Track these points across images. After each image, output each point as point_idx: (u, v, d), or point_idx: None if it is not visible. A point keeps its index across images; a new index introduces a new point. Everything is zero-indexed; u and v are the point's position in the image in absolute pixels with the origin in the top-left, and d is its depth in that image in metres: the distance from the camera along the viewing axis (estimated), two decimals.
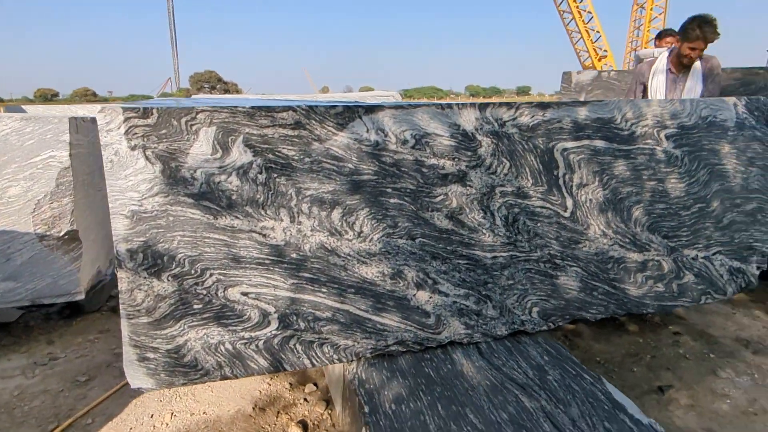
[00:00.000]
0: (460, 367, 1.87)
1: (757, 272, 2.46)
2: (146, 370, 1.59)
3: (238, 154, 1.52)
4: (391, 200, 1.73)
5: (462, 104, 1.75)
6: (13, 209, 2.12)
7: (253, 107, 1.49)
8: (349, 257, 1.73)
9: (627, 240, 2.13)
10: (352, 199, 1.68)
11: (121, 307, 1.51)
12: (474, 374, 1.82)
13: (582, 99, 4.21)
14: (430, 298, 1.88)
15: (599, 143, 1.99)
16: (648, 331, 2.62)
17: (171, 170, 1.46)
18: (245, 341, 1.68)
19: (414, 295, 1.85)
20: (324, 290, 1.72)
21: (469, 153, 1.79)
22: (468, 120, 1.77)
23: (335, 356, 1.81)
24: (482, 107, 1.78)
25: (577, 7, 20.60)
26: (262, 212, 1.59)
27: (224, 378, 1.69)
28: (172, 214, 1.49)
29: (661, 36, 4.97)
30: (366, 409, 1.63)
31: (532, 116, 1.86)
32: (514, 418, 1.59)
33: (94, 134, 2.59)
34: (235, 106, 1.47)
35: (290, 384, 2.20)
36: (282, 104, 1.55)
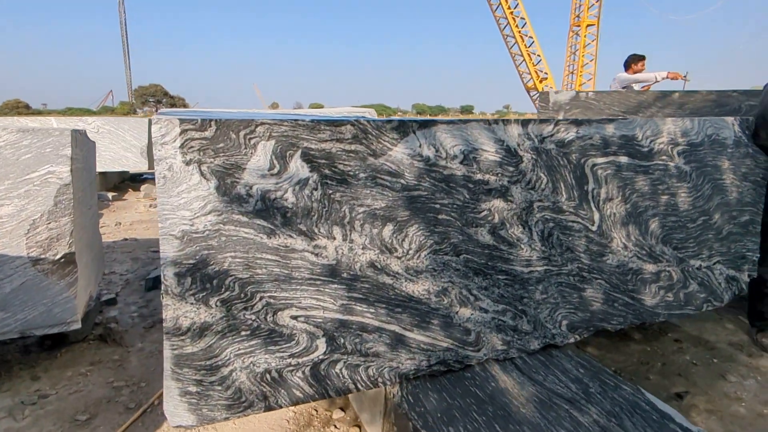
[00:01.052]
0: (504, 384, 1.84)
1: (748, 279, 2.62)
2: (188, 405, 1.45)
3: (296, 169, 1.43)
4: (440, 216, 1.70)
5: (507, 120, 1.75)
6: (4, 230, 1.89)
7: (313, 120, 1.41)
8: (398, 275, 1.67)
9: (644, 252, 2.21)
10: (402, 216, 1.63)
11: (165, 336, 1.38)
12: (519, 391, 1.80)
13: (561, 117, 4.38)
14: (472, 314, 1.85)
15: (623, 159, 2.06)
16: (652, 340, 2.71)
17: (226, 187, 1.36)
18: (292, 368, 1.57)
19: (456, 313, 1.82)
20: (372, 310, 1.65)
21: (512, 168, 1.80)
22: (512, 135, 1.78)
23: (379, 379, 1.73)
24: (524, 123, 1.79)
25: (520, 32, 21.73)
26: (316, 230, 1.51)
27: (268, 409, 1.57)
28: (225, 234, 1.38)
29: (638, 60, 5.32)
30: None
31: (568, 132, 1.90)
32: None
33: (87, 148, 2.38)
34: (296, 120, 1.39)
35: (315, 410, 2.09)
36: (340, 118, 1.48)
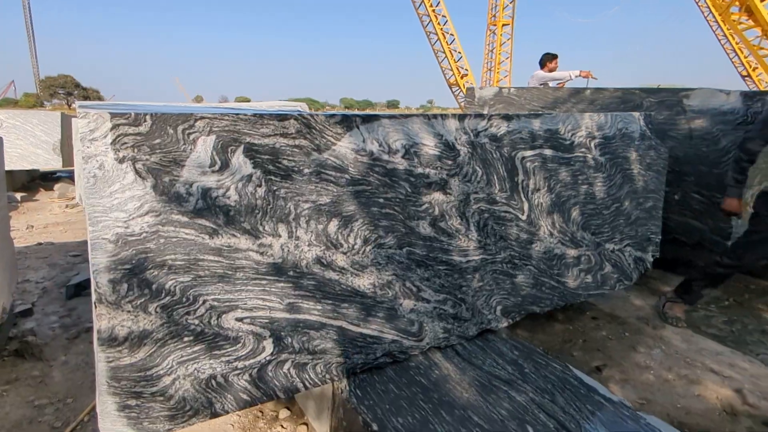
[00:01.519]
0: (446, 371, 1.91)
1: (652, 259, 2.93)
2: (127, 420, 1.35)
3: (239, 166, 1.38)
4: (384, 210, 1.72)
5: (445, 115, 1.81)
6: None
7: (256, 114, 1.36)
8: (344, 270, 1.67)
9: (567, 238, 2.39)
10: (348, 211, 1.63)
11: (99, 348, 1.27)
12: (461, 376, 1.88)
13: (485, 112, 4.59)
14: (415, 305, 1.90)
15: (548, 152, 2.20)
16: (573, 319, 2.94)
17: (164, 185, 1.27)
18: (239, 371, 1.52)
19: (401, 304, 1.85)
20: (319, 307, 1.64)
21: (450, 162, 1.86)
22: (450, 130, 1.83)
23: (327, 376, 1.73)
24: (461, 118, 1.86)
25: (441, 29, 22.36)
26: (261, 228, 1.46)
27: (215, 416, 1.51)
28: (164, 236, 1.30)
29: (551, 59, 5.68)
30: (374, 427, 1.59)
31: (499, 127, 2.00)
32: (512, 413, 1.68)
33: None
34: (237, 114, 1.34)
35: (261, 412, 2.04)
36: (284, 112, 1.44)
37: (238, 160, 1.37)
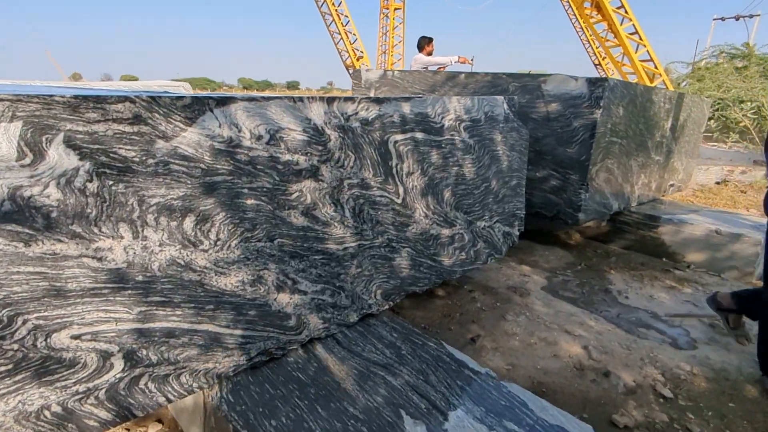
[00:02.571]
0: (325, 362, 1.87)
1: (518, 233, 3.17)
2: None
3: (58, 158, 1.15)
4: (248, 201, 1.59)
5: (312, 98, 1.71)
6: None
7: (76, 96, 1.14)
8: (205, 270, 1.52)
9: (441, 219, 2.46)
10: (206, 204, 1.47)
11: None
12: (340, 366, 1.85)
13: (372, 95, 4.56)
14: (290, 299, 1.81)
15: (419, 135, 2.23)
16: (452, 294, 3.09)
17: None
18: (80, 396, 1.32)
19: (275, 299, 1.76)
20: (179, 312, 1.48)
21: (320, 147, 1.78)
22: (318, 114, 1.74)
23: (195, 384, 1.59)
24: (329, 101, 1.78)
25: (336, 10, 21.86)
26: (96, 230, 1.25)
27: None
28: None
29: (429, 42, 5.81)
30: None
31: (370, 110, 1.96)
32: (388, 399, 1.69)
33: None
34: (51, 95, 1.11)
35: (127, 430, 1.83)
36: (115, 94, 1.23)
37: (58, 151, 1.15)
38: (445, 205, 2.47)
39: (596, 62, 22.43)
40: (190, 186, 1.42)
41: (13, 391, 1.19)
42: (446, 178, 2.44)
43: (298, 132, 1.68)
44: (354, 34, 22.49)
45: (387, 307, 2.27)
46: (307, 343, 1.96)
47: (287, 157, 1.67)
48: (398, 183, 2.16)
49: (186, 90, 5.62)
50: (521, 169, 3.03)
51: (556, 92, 3.41)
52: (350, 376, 1.80)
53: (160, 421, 1.91)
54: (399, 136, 2.12)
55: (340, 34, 22.39)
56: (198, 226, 1.47)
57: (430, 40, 6.56)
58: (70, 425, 1.32)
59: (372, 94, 4.60)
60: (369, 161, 1.99)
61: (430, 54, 6.46)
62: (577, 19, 20.13)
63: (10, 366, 1.17)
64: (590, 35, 19.86)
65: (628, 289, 3.33)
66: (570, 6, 18.51)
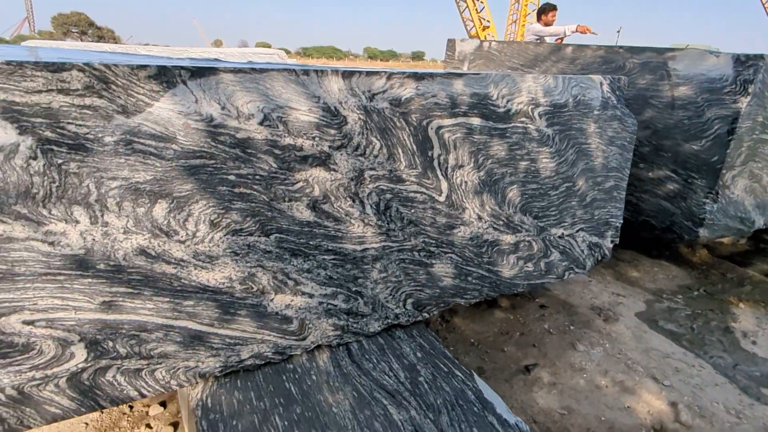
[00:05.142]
0: (326, 376, 1.64)
1: (611, 246, 2.59)
2: None
3: None
4: (236, 189, 1.38)
5: (322, 70, 1.43)
6: None
7: (10, 62, 1.01)
8: (182, 263, 1.36)
9: (501, 222, 2.05)
10: (181, 190, 1.30)
11: None
12: (341, 384, 1.61)
13: (465, 69, 4.13)
14: (292, 301, 1.60)
15: (476, 121, 1.83)
16: (518, 306, 2.66)
17: None
18: (38, 382, 1.25)
19: (271, 300, 1.56)
20: (150, 305, 1.35)
21: (333, 131, 1.50)
22: (330, 91, 1.47)
23: (173, 381, 1.46)
24: (347, 75, 1.49)
25: None
26: (45, 212, 1.14)
27: (9, 431, 1.25)
28: None
29: (548, 10, 5.13)
30: None
31: (405, 88, 1.62)
32: None
33: None
34: None
35: (130, 407, 1.81)
36: (62, 60, 1.09)
37: None
38: (508, 206, 2.05)
39: None
40: (160, 169, 1.25)
41: None
42: (511, 175, 2.01)
43: (303, 112, 1.42)
44: (482, 2, 21.33)
45: (420, 318, 1.96)
46: (314, 350, 1.75)
47: (288, 140, 1.43)
48: (441, 177, 1.80)
49: (280, 58, 5.65)
50: (622, 168, 2.43)
51: (687, 72, 2.68)
52: (347, 399, 1.55)
53: (164, 404, 1.86)
54: (445, 121, 1.75)
55: (466, 2, 21.39)
56: (171, 215, 1.31)
57: (552, 7, 5.77)
58: (27, 409, 1.26)
59: (465, 68, 4.15)
60: (401, 150, 1.67)
61: (548, 24, 5.70)
62: None
63: None
64: None
65: (758, 332, 2.57)
66: None
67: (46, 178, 1.12)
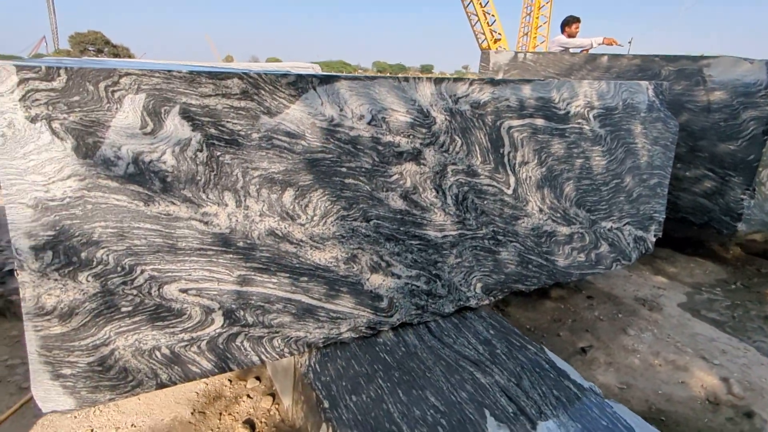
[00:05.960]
0: (414, 348, 1.84)
1: (654, 239, 2.76)
2: (62, 389, 1.32)
3: (174, 128, 1.27)
4: (346, 180, 1.60)
5: (418, 78, 1.65)
6: None
7: (192, 72, 1.25)
8: (301, 243, 1.58)
9: (558, 215, 2.24)
10: (305, 180, 1.52)
11: (25, 316, 1.22)
12: (428, 355, 1.80)
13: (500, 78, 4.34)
14: (384, 281, 1.80)
15: (539, 122, 2.03)
16: (567, 297, 2.83)
17: (87, 147, 1.18)
18: (185, 343, 1.47)
19: (368, 279, 1.76)
20: (274, 280, 1.56)
21: (424, 130, 1.72)
22: (424, 95, 1.68)
23: (286, 349, 1.67)
24: (437, 82, 1.70)
25: None
26: (204, 196, 1.37)
27: (161, 386, 1.47)
28: (91, 202, 1.22)
29: (572, 22, 5.33)
30: (326, 404, 1.53)
31: (482, 92, 1.83)
32: (473, 396, 1.60)
33: None
34: (170, 70, 1.22)
35: (229, 380, 2.02)
36: (226, 70, 1.32)
37: (174, 122, 1.26)
38: (565, 200, 2.24)
39: None
40: (291, 161, 1.47)
41: (132, 329, 1.36)
42: (568, 171, 2.21)
43: (402, 113, 1.64)
44: (492, 15, 21.68)
45: (487, 302, 2.15)
46: (398, 327, 1.94)
47: (388, 138, 1.64)
48: (510, 172, 2.01)
49: (315, 71, 5.92)
50: (665, 166, 2.62)
51: (722, 78, 2.87)
52: (437, 366, 1.74)
53: (258, 378, 2.06)
54: (515, 122, 1.96)
55: (477, 15, 21.75)
56: (296, 201, 1.52)
57: (576, 20, 5.98)
58: (175, 367, 1.48)
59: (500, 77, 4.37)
60: (477, 147, 1.88)
61: (572, 36, 5.91)
62: None
63: (130, 308, 1.35)
64: None
65: None
66: None
67: (207, 167, 1.35)
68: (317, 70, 6.62)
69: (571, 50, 5.99)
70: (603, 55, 3.60)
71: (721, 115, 2.89)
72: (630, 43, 6.18)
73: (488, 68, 4.44)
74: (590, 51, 6.03)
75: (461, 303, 2.06)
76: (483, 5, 21.85)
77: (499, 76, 4.37)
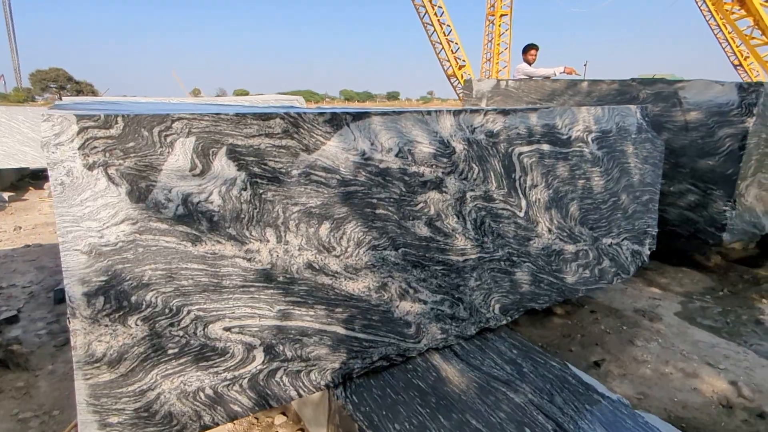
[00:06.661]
0: (444, 372, 1.86)
1: (649, 252, 2.89)
2: None
3: (221, 169, 1.30)
4: (377, 211, 1.65)
5: (439, 111, 1.73)
6: None
7: (238, 114, 1.28)
8: (337, 274, 1.60)
9: (565, 234, 2.34)
10: (339, 212, 1.56)
11: (75, 365, 1.20)
12: (459, 378, 1.83)
13: (483, 105, 4.51)
14: (411, 307, 1.84)
15: (545, 147, 2.14)
16: (572, 313, 2.91)
17: (140, 191, 1.19)
18: (228, 382, 1.46)
19: (397, 307, 1.79)
20: (312, 313, 1.57)
21: (445, 159, 1.79)
22: (445, 127, 1.76)
23: (322, 382, 1.67)
24: (456, 113, 1.79)
25: (438, 20, 22.14)
26: (247, 233, 1.39)
27: (204, 429, 1.44)
28: (142, 245, 1.22)
29: (529, 49, 5.61)
30: None
31: (495, 122, 1.93)
32: (511, 416, 1.63)
33: None
34: (218, 113, 1.26)
35: (256, 418, 1.98)
36: (269, 111, 1.36)
37: (221, 162, 1.29)
38: (570, 219, 2.35)
39: (736, 62, 19.89)
40: (326, 195, 1.51)
41: (177, 371, 1.35)
42: (572, 192, 2.32)
43: (426, 144, 1.71)
44: (456, 43, 22.46)
45: (504, 322, 2.20)
46: (424, 353, 1.97)
47: (414, 168, 1.71)
48: (521, 196, 2.10)
49: (300, 103, 6.00)
50: (654, 183, 2.77)
51: (696, 99, 3.08)
52: (470, 388, 1.77)
53: (284, 414, 2.04)
54: (524, 148, 2.06)
55: (441, 43, 22.50)
56: (332, 233, 1.56)
57: (534, 47, 6.30)
58: (218, 408, 1.46)
59: (483, 105, 4.53)
60: (492, 173, 1.96)
61: (528, 62, 6.20)
62: (712, 15, 18.06)
63: (176, 350, 1.33)
64: (729, 33, 17.69)
65: None
66: (704, 1, 16.66)
67: (250, 205, 1.37)
68: (301, 103, 6.71)
69: (534, 79, 6.29)
70: (583, 80, 3.81)
71: (698, 134, 3.10)
72: (585, 66, 6.52)
73: (471, 95, 4.61)
74: (551, 79, 6.34)
75: (482, 324, 2.11)
76: (446, 34, 22.68)
77: (483, 103, 4.54)
